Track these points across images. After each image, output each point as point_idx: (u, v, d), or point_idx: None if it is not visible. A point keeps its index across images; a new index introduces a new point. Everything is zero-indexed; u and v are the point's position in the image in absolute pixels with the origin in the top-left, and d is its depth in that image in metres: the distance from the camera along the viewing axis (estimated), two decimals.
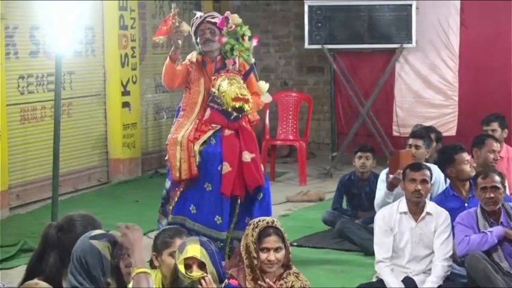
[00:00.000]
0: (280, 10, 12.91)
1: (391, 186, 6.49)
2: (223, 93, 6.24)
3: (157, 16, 11.43)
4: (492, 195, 5.69)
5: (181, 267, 4.09)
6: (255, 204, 6.47)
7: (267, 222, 4.49)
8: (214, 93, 6.35)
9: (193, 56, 6.64)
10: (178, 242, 4.43)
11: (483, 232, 5.68)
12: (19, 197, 8.86)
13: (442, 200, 6.29)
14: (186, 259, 4.11)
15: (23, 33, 8.90)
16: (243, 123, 6.51)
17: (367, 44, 10.87)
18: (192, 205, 6.40)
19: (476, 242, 5.65)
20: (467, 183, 6.29)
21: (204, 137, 6.41)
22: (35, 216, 8.49)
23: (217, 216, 6.36)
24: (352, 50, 11.12)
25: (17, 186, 8.83)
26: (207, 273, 4.09)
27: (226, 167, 6.36)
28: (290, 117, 10.83)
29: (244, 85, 6.38)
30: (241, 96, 6.23)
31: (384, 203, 6.61)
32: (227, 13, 6.59)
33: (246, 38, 6.50)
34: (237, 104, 6.22)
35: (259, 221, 4.52)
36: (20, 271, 6.79)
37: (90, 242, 3.69)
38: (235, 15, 6.56)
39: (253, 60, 6.59)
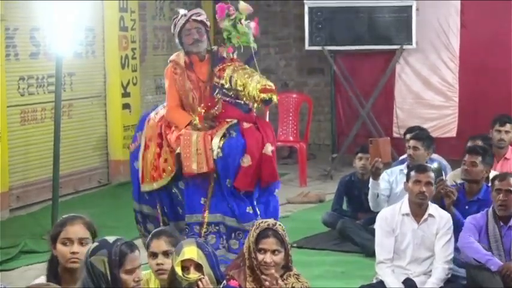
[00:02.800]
0: (281, 11, 12.90)
1: (374, 175, 6.54)
2: (243, 85, 5.90)
3: (157, 17, 11.43)
4: (505, 198, 5.68)
5: (178, 269, 4.10)
6: (271, 203, 6.20)
7: (268, 224, 4.51)
8: (224, 85, 6.03)
9: (179, 57, 6.35)
10: (154, 243, 4.43)
11: (490, 253, 5.64)
12: (19, 199, 8.86)
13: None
14: (183, 261, 4.11)
15: (23, 35, 8.90)
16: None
17: (367, 45, 10.87)
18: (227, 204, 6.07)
19: (478, 253, 5.63)
20: (477, 186, 6.31)
21: (223, 129, 6.06)
22: (36, 217, 8.50)
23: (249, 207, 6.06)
24: (353, 51, 11.13)
25: (18, 188, 8.84)
26: (204, 275, 4.10)
27: (247, 160, 6.00)
28: (290, 118, 10.83)
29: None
30: (269, 88, 5.86)
31: (372, 193, 6.66)
32: (241, 3, 6.17)
33: (243, 22, 6.12)
34: (267, 96, 5.84)
35: (262, 222, 4.56)
36: (20, 272, 6.81)
37: (89, 261, 3.65)
38: (246, 5, 6.14)
39: (253, 44, 6.14)
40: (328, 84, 12.01)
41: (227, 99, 6.13)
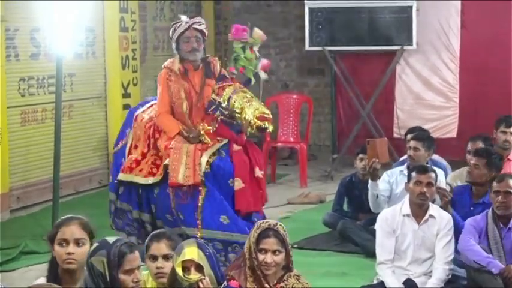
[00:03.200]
0: (281, 12, 12.90)
1: (372, 176, 6.55)
2: (240, 109, 6.05)
3: (157, 18, 11.43)
4: (504, 199, 5.67)
5: (179, 270, 4.10)
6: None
7: (269, 225, 4.51)
8: (221, 103, 6.16)
9: (174, 64, 6.47)
10: (155, 246, 4.43)
11: (491, 256, 5.63)
12: (20, 199, 8.86)
13: (461, 191, 6.36)
14: (183, 262, 4.11)
15: (24, 35, 8.89)
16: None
17: (368, 45, 10.87)
18: (221, 215, 6.19)
19: (479, 256, 5.61)
20: (483, 189, 6.30)
21: (213, 148, 6.20)
22: (36, 218, 8.49)
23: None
24: (353, 52, 11.12)
25: (18, 189, 8.83)
26: (204, 275, 4.10)
27: (238, 183, 6.15)
28: (291, 119, 10.82)
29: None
30: (266, 116, 6.06)
31: (371, 194, 6.66)
32: (256, 30, 6.45)
33: (254, 49, 6.35)
34: (263, 124, 6.03)
35: (263, 222, 4.56)
36: (20, 273, 6.80)
37: (90, 261, 3.68)
38: (260, 33, 6.42)
39: (251, 77, 6.40)
40: (328, 85, 12.01)
41: (222, 117, 6.24)
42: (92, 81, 10.13)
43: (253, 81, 6.46)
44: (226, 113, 6.18)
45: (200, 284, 4.07)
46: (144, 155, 6.44)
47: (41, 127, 9.10)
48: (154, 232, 4.69)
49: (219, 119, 6.26)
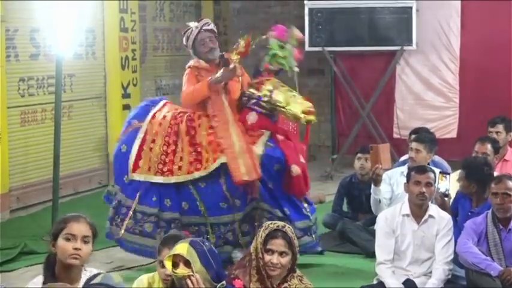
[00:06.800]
0: (281, 13, 12.90)
1: (375, 181, 6.54)
2: (286, 103, 6.40)
3: (157, 18, 11.43)
4: (502, 201, 5.66)
5: (168, 264, 4.10)
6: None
7: (278, 226, 4.51)
8: (262, 98, 6.48)
9: (201, 63, 6.74)
10: (165, 252, 4.43)
11: (490, 259, 5.62)
12: (20, 200, 8.86)
13: (463, 195, 6.37)
14: (174, 256, 4.12)
15: (24, 36, 8.90)
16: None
17: (368, 46, 10.88)
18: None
19: (477, 258, 5.60)
20: (475, 198, 6.30)
21: (263, 139, 6.51)
22: (36, 218, 8.50)
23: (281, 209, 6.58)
24: (353, 52, 11.13)
25: (18, 189, 8.83)
26: (193, 271, 4.08)
27: (296, 170, 6.46)
28: None
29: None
30: (312, 110, 6.51)
31: (373, 199, 6.66)
32: (294, 29, 6.79)
33: (288, 47, 6.67)
34: (311, 118, 6.47)
35: (271, 223, 4.56)
36: (20, 273, 6.80)
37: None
38: (298, 32, 6.78)
39: (295, 69, 6.71)
40: (328, 85, 12.01)
41: (260, 110, 6.58)
42: (91, 81, 10.13)
43: (290, 73, 6.76)
44: (268, 106, 6.51)
45: (188, 281, 4.05)
46: (173, 152, 6.57)
47: (40, 127, 9.10)
48: (167, 236, 4.70)
49: (256, 111, 6.59)
